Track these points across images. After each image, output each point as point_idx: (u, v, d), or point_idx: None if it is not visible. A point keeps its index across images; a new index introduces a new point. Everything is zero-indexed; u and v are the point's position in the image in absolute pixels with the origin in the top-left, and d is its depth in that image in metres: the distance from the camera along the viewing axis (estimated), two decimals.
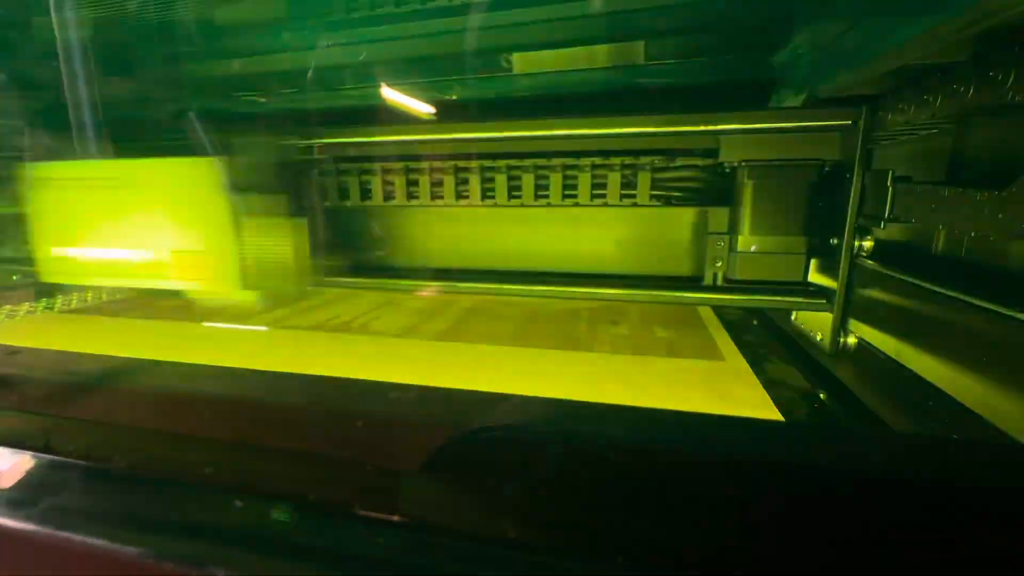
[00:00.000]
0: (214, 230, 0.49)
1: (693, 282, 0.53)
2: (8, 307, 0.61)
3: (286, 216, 0.53)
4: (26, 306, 0.62)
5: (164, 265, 0.51)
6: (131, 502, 0.22)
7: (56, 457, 0.24)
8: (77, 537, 0.20)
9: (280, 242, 0.51)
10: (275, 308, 0.61)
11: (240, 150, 0.50)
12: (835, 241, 0.41)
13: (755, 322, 0.57)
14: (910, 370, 0.33)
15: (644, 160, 0.51)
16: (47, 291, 0.66)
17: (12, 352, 0.43)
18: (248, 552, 0.19)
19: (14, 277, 0.66)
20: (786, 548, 0.18)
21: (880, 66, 0.32)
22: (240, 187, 0.49)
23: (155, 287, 0.52)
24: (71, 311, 0.62)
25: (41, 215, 0.54)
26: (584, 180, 0.52)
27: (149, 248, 0.51)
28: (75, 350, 0.46)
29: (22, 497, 0.22)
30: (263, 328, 0.54)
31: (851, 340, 0.40)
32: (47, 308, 0.63)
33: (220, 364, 0.43)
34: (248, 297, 0.52)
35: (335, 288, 0.57)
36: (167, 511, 0.21)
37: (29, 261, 0.56)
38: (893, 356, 0.35)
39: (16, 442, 0.25)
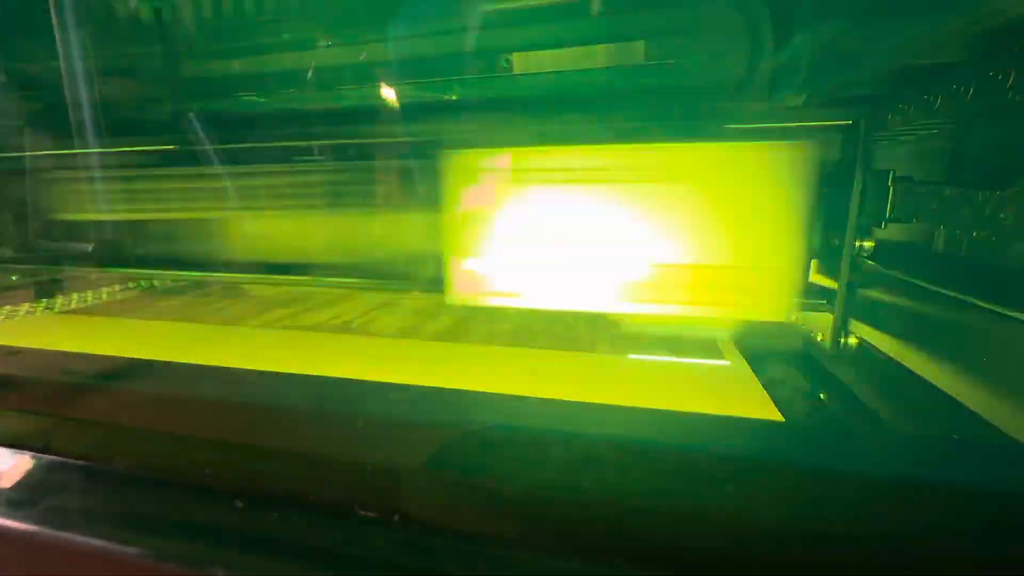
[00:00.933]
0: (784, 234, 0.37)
1: None
2: (8, 307, 0.61)
3: None
4: (26, 306, 0.62)
5: (683, 285, 0.39)
6: (131, 502, 0.22)
7: (56, 457, 0.24)
8: (77, 537, 0.20)
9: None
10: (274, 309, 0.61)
11: None
12: (836, 241, 0.41)
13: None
14: (911, 371, 0.33)
15: None
16: (47, 291, 0.66)
17: (12, 352, 0.43)
18: (248, 552, 0.19)
19: (13, 277, 0.66)
20: (786, 548, 0.18)
21: (881, 66, 0.32)
22: None
23: (645, 312, 0.40)
24: (71, 311, 0.62)
25: (470, 219, 0.42)
26: None
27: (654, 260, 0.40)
28: (75, 350, 0.46)
29: (22, 497, 0.22)
30: (263, 328, 0.54)
31: (852, 340, 0.40)
32: (47, 308, 0.63)
33: (220, 364, 0.43)
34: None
35: None
36: (167, 511, 0.21)
37: (428, 280, 0.46)
38: (894, 357, 0.35)
39: (16, 442, 0.25)
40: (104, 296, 0.69)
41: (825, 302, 0.42)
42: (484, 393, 0.36)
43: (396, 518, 0.19)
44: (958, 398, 0.29)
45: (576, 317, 0.56)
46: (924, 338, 0.32)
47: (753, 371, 0.41)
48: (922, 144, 0.35)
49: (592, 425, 0.29)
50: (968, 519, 0.20)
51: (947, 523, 0.19)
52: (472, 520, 0.20)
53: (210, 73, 0.50)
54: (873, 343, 0.38)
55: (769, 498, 0.21)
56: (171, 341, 0.52)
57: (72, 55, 0.47)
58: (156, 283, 0.74)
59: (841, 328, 0.41)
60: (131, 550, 0.19)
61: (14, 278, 0.66)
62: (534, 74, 0.43)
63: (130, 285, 0.73)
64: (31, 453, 0.25)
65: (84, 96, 0.48)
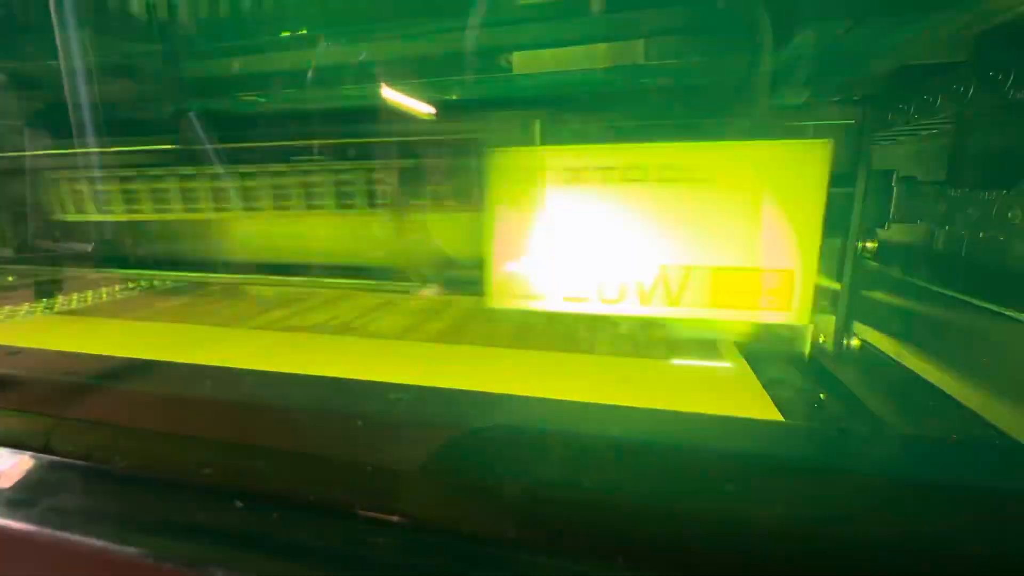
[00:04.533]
0: (808, 241, 0.36)
1: None
2: (8, 307, 0.61)
3: None
4: (26, 306, 0.62)
5: (716, 289, 0.38)
6: (131, 502, 0.22)
7: (56, 457, 0.24)
8: (77, 537, 0.20)
9: None
10: (274, 309, 0.61)
11: None
12: (838, 242, 0.41)
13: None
14: (912, 372, 0.33)
15: None
16: (47, 291, 0.66)
17: (12, 352, 0.43)
18: (248, 552, 0.19)
19: (10, 278, 0.66)
20: (786, 548, 0.18)
21: (881, 66, 0.32)
22: None
23: (681, 318, 0.39)
24: (71, 311, 0.62)
25: (507, 220, 0.41)
26: None
27: (693, 265, 0.38)
28: (75, 350, 0.46)
29: (22, 497, 0.22)
30: (263, 329, 0.54)
31: (854, 342, 0.40)
32: (47, 308, 0.63)
33: (220, 364, 0.43)
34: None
35: None
36: (166, 511, 0.21)
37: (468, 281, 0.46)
38: (895, 358, 0.35)
39: (16, 442, 0.25)
40: (104, 296, 0.69)
41: (827, 303, 0.42)
42: (484, 393, 0.36)
43: (396, 518, 0.19)
44: (961, 399, 0.29)
45: (576, 318, 0.56)
46: (926, 339, 0.32)
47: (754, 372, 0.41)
48: (923, 144, 0.35)
49: (592, 425, 0.29)
50: (968, 519, 0.19)
51: (947, 523, 0.19)
52: (472, 520, 0.20)
53: None
54: (873, 343, 0.38)
55: (769, 498, 0.21)
56: (171, 341, 0.52)
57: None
58: (156, 283, 0.74)
59: (844, 329, 0.41)
60: (131, 550, 0.19)
61: (11, 279, 0.66)
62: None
63: (130, 285, 0.73)
64: (31, 453, 0.24)
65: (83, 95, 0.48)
